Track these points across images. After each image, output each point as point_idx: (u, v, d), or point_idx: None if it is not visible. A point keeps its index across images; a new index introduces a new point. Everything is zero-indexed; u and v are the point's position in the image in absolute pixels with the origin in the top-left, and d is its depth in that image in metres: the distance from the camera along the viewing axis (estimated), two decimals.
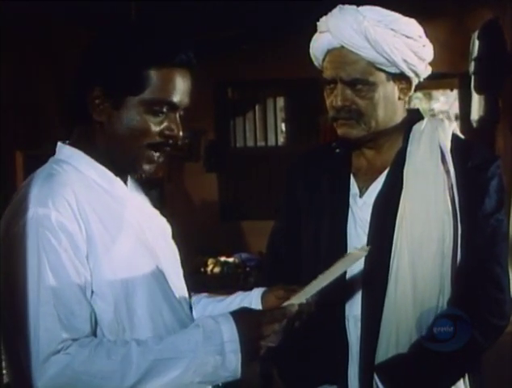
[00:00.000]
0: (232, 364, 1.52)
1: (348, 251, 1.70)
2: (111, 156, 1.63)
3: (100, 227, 1.55)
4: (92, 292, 1.53)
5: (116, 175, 1.66)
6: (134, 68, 1.57)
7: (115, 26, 1.67)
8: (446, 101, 8.61)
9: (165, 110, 1.60)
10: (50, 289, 1.47)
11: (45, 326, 1.46)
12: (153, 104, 1.58)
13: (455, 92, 7.78)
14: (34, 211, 1.49)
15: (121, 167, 1.66)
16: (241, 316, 1.57)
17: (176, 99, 1.60)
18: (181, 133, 1.63)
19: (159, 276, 1.65)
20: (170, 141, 1.63)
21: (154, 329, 1.60)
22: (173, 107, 1.60)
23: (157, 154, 1.63)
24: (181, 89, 1.60)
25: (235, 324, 1.54)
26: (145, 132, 1.59)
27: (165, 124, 1.61)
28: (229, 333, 1.53)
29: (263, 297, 1.80)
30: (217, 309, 1.81)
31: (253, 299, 1.81)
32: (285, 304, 1.64)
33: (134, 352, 1.48)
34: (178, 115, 1.63)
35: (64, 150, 1.65)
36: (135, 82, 1.57)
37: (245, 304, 1.79)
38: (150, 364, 1.48)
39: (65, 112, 1.67)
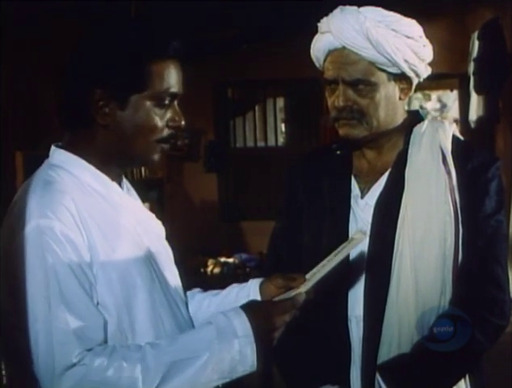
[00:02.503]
0: (249, 358, 1.52)
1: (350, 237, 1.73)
2: (117, 156, 1.63)
3: (100, 235, 1.54)
4: (98, 302, 1.52)
5: (112, 179, 1.64)
6: (135, 64, 1.57)
7: (105, 26, 1.65)
8: (437, 99, 8.72)
9: (167, 102, 1.61)
10: (61, 302, 1.45)
11: (59, 340, 1.44)
12: (157, 97, 1.60)
13: (455, 93, 7.78)
14: (36, 222, 1.47)
15: (127, 164, 1.67)
16: (253, 309, 1.57)
17: (175, 88, 1.62)
18: (183, 122, 1.65)
19: (157, 281, 1.65)
20: (175, 132, 1.65)
21: (156, 335, 1.59)
22: (174, 97, 1.63)
23: (165, 146, 1.65)
24: (178, 78, 1.63)
25: (247, 318, 1.54)
26: (154, 128, 1.61)
27: (168, 115, 1.63)
28: (242, 327, 1.53)
29: (261, 287, 1.80)
30: (214, 303, 1.81)
31: (250, 290, 1.81)
32: (293, 293, 1.64)
33: (149, 355, 1.47)
34: (176, 105, 1.65)
35: (57, 155, 1.62)
36: (138, 78, 1.57)
37: (243, 295, 1.79)
38: (167, 367, 1.47)
39: (62, 116, 1.65)
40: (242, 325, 1.53)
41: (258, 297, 1.78)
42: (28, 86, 5.18)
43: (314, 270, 1.73)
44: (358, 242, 1.79)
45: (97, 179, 1.61)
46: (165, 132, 1.63)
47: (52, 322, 1.44)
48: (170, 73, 1.61)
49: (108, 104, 1.58)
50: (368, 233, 1.96)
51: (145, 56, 1.58)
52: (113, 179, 1.65)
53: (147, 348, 1.49)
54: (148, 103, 1.59)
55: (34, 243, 1.46)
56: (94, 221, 1.54)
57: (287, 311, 1.59)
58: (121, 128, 1.59)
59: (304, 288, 1.65)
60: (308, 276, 1.72)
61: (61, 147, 1.64)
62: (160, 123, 1.61)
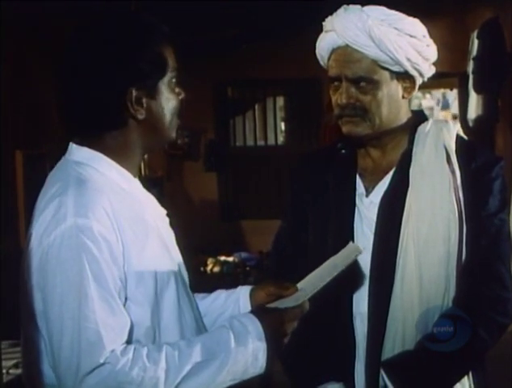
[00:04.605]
0: (260, 361, 1.57)
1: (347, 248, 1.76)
2: (145, 146, 1.66)
3: (131, 234, 1.55)
4: (126, 299, 1.53)
5: (133, 175, 1.66)
6: (157, 54, 1.61)
7: (115, 26, 1.63)
8: (431, 97, 8.84)
9: (176, 77, 1.67)
10: (92, 301, 1.46)
11: (88, 339, 1.44)
12: (173, 77, 1.65)
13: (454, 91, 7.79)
14: (73, 221, 1.47)
15: (152, 150, 1.72)
16: (265, 315, 1.62)
17: (176, 63, 1.68)
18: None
19: (179, 276, 1.67)
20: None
21: (180, 329, 1.62)
22: (178, 71, 1.68)
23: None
24: (175, 55, 1.68)
25: (260, 324, 1.58)
26: (177, 106, 1.67)
27: (177, 89, 1.68)
28: (256, 332, 1.57)
29: (252, 295, 1.82)
30: (201, 306, 1.81)
31: (240, 296, 1.83)
32: (300, 301, 1.67)
33: (171, 356, 1.49)
34: None
35: (81, 152, 1.62)
36: (161, 65, 1.62)
37: (231, 301, 1.82)
38: (187, 368, 1.49)
39: (88, 118, 1.62)
40: (256, 330, 1.57)
41: (248, 304, 1.81)
42: (28, 86, 5.17)
43: (306, 279, 1.75)
44: (356, 256, 1.80)
45: (122, 176, 1.62)
46: (179, 106, 1.69)
47: (81, 321, 1.45)
48: (172, 51, 1.66)
49: (142, 99, 1.60)
50: (373, 232, 1.98)
51: (158, 42, 1.62)
52: (134, 176, 1.66)
53: (168, 349, 1.51)
54: (168, 85, 1.64)
55: (70, 241, 1.47)
56: (125, 220, 1.55)
57: (296, 318, 1.64)
58: (153, 116, 1.63)
59: (306, 297, 1.67)
60: (299, 285, 1.73)
61: (81, 144, 1.63)
62: (176, 99, 1.67)
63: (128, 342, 1.51)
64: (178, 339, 1.59)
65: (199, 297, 1.85)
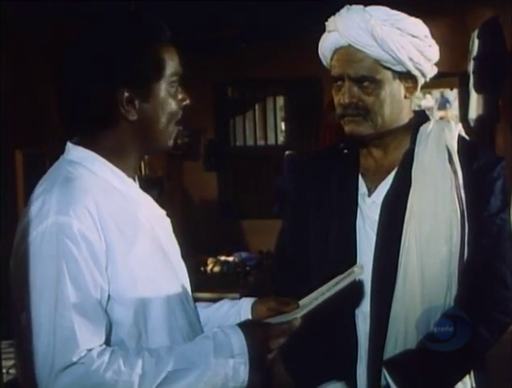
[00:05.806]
0: (241, 376, 1.55)
1: (352, 268, 1.77)
2: (139, 148, 1.65)
3: (118, 234, 1.54)
4: (110, 298, 1.53)
5: (128, 175, 1.65)
6: (150, 54, 1.60)
7: (105, 25, 1.64)
8: (432, 97, 8.87)
9: (177, 83, 1.65)
10: (68, 300, 1.46)
11: (63, 336, 1.44)
12: (171, 81, 1.63)
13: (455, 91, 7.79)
14: (54, 219, 1.48)
15: (147, 154, 1.71)
16: (250, 329, 1.60)
17: (180, 68, 1.66)
18: (189, 100, 1.69)
19: (172, 278, 1.66)
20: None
21: (169, 331, 1.61)
22: (180, 76, 1.66)
23: (180, 127, 1.68)
24: (179, 59, 1.67)
25: (244, 337, 1.56)
26: (175, 111, 1.65)
27: (179, 96, 1.66)
28: (239, 346, 1.55)
29: (253, 308, 1.81)
30: (203, 315, 1.82)
31: (242, 309, 1.82)
32: (290, 318, 1.66)
33: (148, 362, 1.49)
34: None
35: (76, 152, 1.62)
36: (155, 67, 1.61)
37: (233, 313, 1.82)
38: (163, 375, 1.48)
39: (81, 117, 1.62)
40: (239, 343, 1.56)
41: (249, 317, 1.80)
42: (28, 86, 5.17)
43: (308, 297, 1.74)
44: (357, 275, 1.81)
45: (116, 176, 1.62)
46: (180, 112, 1.67)
47: (57, 318, 1.45)
48: (175, 55, 1.65)
49: (133, 100, 1.59)
50: (375, 231, 1.99)
51: (156, 44, 1.61)
52: (129, 176, 1.66)
53: (146, 355, 1.50)
54: (166, 89, 1.62)
55: (50, 238, 1.47)
56: (113, 220, 1.54)
57: (283, 335, 1.62)
58: (147, 119, 1.61)
59: (299, 314, 1.67)
60: (301, 302, 1.73)
61: (77, 144, 1.64)
62: (177, 105, 1.65)
63: (110, 341, 1.52)
64: (166, 341, 1.59)
65: (202, 305, 1.86)
